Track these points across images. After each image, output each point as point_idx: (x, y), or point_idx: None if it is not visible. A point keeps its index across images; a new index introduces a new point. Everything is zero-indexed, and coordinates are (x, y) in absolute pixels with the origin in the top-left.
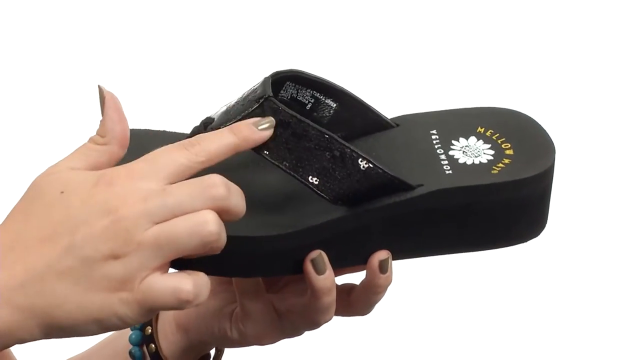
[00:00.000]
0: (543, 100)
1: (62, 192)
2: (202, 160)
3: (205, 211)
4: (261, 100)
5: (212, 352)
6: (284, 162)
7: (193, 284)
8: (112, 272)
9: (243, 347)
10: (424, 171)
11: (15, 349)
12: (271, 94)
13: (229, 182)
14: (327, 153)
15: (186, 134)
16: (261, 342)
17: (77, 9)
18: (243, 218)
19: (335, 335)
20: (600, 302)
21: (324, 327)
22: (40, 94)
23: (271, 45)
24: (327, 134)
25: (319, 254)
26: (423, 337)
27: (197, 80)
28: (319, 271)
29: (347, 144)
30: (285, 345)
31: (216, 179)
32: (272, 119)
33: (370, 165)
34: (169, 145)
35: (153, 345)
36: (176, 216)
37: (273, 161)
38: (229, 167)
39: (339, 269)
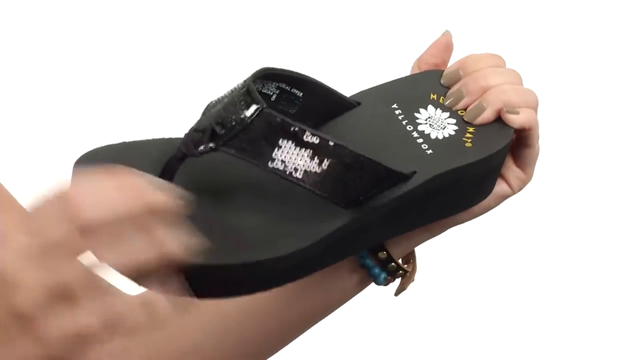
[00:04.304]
0: None
1: None
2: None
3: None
4: (255, 112)
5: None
6: (294, 173)
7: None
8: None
9: None
10: (407, 154)
11: None
12: (265, 105)
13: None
14: (333, 159)
15: (164, 139)
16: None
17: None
18: (253, 235)
19: (335, 334)
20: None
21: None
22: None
23: (223, 33)
24: (331, 141)
25: None
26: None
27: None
28: None
29: (354, 150)
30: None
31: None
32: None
33: (373, 165)
34: None
35: (385, 252)
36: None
37: (280, 174)
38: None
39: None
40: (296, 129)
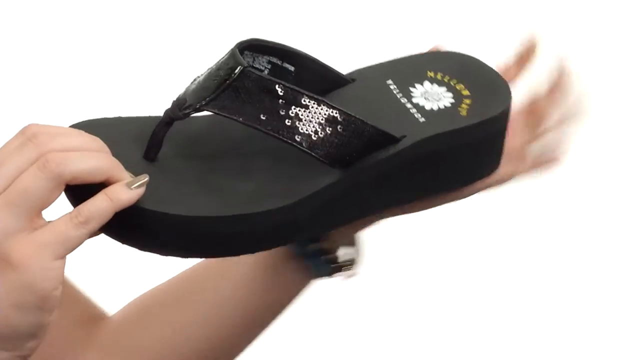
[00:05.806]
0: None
1: None
2: (81, 221)
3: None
4: (237, 72)
5: None
6: (279, 131)
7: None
8: None
9: None
10: (399, 122)
11: None
12: (246, 64)
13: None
14: (319, 116)
15: (155, 117)
16: None
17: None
18: (237, 192)
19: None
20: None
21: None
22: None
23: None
24: (315, 98)
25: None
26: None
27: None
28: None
29: (337, 106)
30: (286, 346)
31: (33, 129)
32: (146, 176)
33: (361, 124)
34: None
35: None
36: (15, 177)
37: (266, 130)
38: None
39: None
40: (279, 86)
